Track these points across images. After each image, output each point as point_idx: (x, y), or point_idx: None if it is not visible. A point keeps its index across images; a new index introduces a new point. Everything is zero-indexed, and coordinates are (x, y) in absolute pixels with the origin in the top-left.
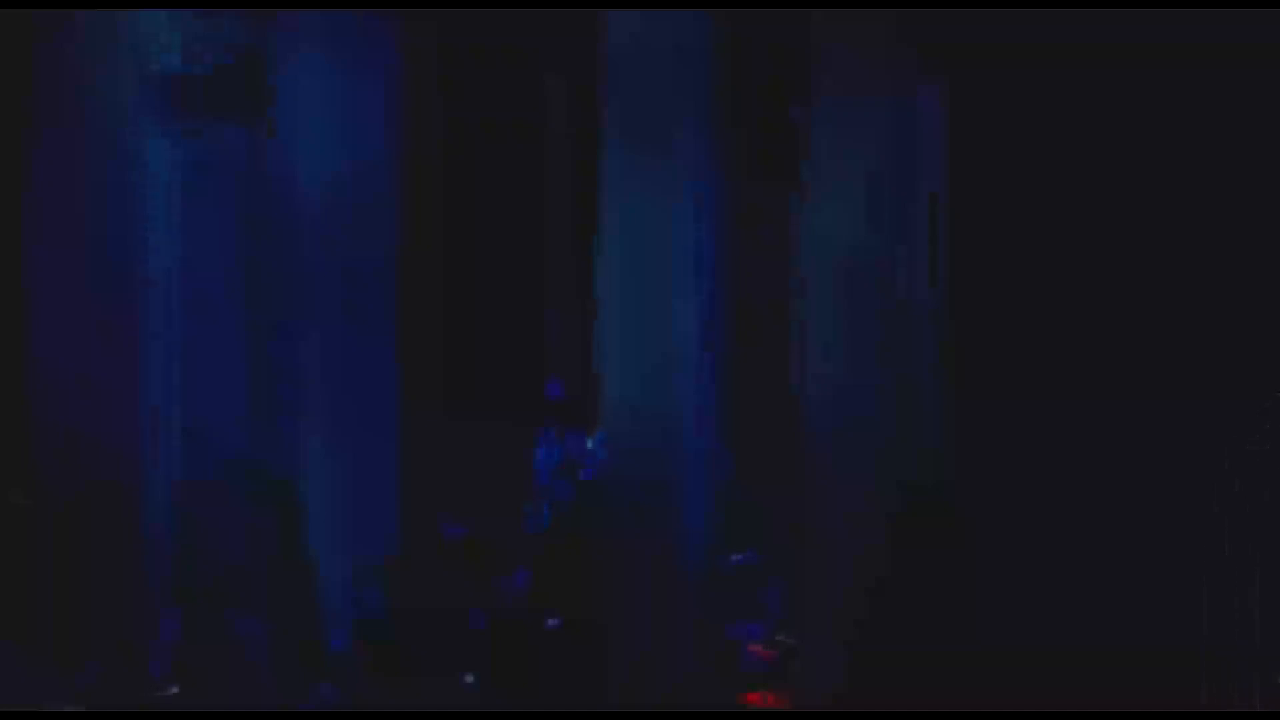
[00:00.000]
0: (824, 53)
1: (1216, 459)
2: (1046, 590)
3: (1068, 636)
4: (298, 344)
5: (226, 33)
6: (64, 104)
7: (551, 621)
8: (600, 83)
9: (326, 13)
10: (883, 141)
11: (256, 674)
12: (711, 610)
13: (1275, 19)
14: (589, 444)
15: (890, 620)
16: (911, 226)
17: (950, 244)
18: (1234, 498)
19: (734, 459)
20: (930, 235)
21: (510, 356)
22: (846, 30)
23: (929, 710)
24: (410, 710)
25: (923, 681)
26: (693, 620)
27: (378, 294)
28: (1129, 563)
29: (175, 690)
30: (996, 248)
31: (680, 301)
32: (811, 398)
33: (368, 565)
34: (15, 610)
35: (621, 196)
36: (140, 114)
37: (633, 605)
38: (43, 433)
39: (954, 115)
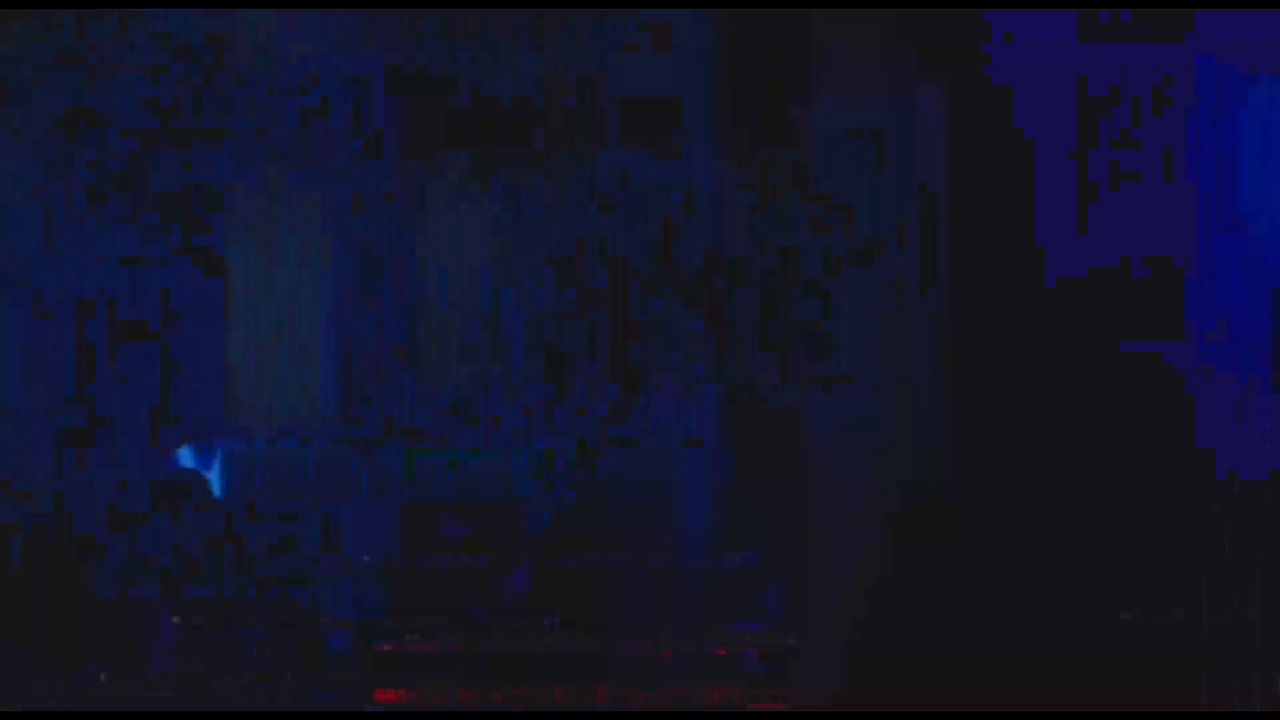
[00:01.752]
0: (824, 53)
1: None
2: (1046, 590)
3: (1068, 636)
4: None
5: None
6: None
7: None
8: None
9: (326, 13)
10: (883, 141)
11: (256, 674)
12: (711, 610)
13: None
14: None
15: (890, 620)
16: (911, 226)
17: (950, 244)
18: (1234, 497)
19: (734, 459)
20: (930, 235)
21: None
22: (846, 30)
23: (929, 710)
24: (410, 710)
25: (923, 681)
26: (693, 620)
27: None
28: (1129, 563)
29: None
30: (996, 248)
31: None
32: (811, 398)
33: (368, 565)
34: (15, 610)
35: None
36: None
37: (632, 605)
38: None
39: (954, 115)
